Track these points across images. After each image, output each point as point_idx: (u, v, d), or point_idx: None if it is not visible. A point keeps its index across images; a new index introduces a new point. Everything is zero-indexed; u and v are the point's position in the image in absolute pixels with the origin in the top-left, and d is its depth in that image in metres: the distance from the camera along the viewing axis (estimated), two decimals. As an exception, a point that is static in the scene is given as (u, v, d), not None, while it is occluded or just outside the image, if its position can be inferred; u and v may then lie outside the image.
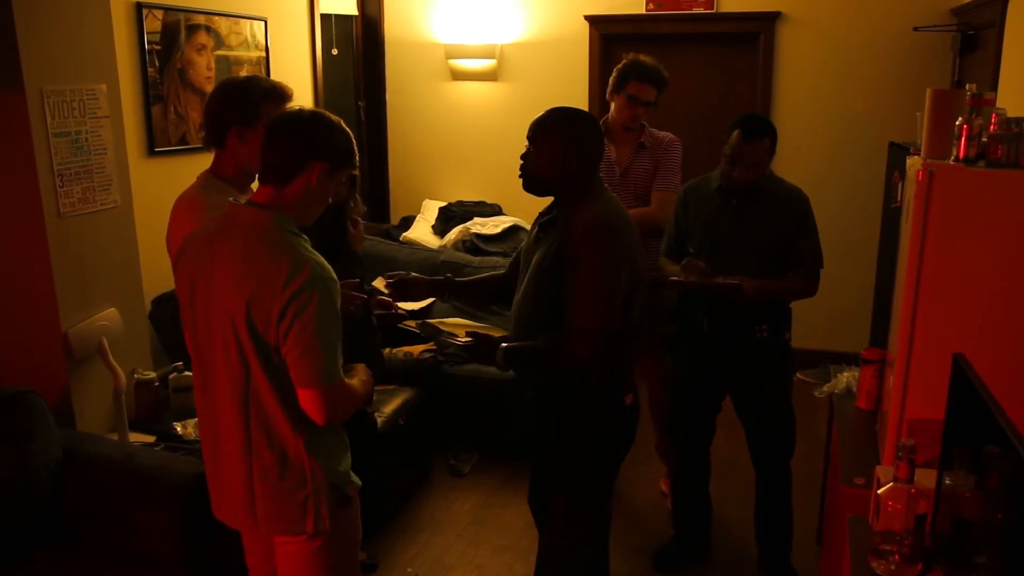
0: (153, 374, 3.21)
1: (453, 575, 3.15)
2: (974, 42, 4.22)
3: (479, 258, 4.73)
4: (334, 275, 1.80)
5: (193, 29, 3.98)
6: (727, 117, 3.01)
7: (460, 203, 5.48)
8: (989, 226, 2.05)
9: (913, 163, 2.36)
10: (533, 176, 2.21)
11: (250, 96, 2.19)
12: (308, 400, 1.79)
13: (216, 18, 4.13)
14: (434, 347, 4.01)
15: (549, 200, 2.28)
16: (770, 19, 4.93)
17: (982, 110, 2.14)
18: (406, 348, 4.03)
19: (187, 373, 3.19)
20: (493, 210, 5.40)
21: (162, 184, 3.47)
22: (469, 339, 2.23)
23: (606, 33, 5.23)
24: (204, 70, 4.07)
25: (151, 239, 3.18)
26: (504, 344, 2.18)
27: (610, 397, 2.22)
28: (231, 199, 1.95)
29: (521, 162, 2.22)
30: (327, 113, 1.90)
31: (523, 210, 5.19)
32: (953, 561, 1.62)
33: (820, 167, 4.89)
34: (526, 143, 2.22)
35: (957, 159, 2.10)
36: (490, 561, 3.23)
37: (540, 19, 5.34)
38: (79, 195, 2.86)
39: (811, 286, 2.85)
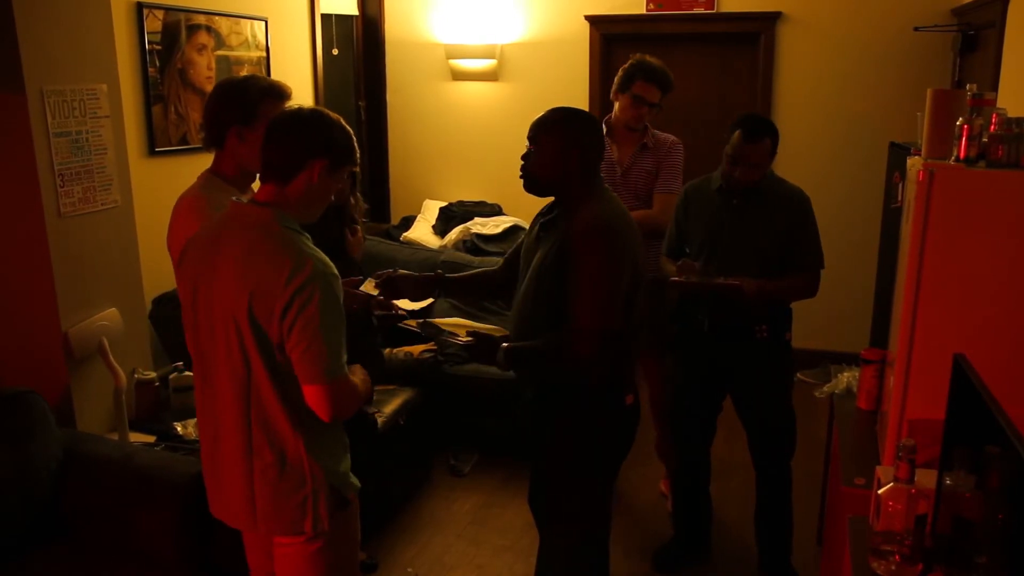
0: (153, 374, 3.21)
1: (453, 575, 3.15)
2: (974, 42, 4.22)
3: (479, 258, 4.73)
4: (336, 271, 1.80)
5: (194, 29, 3.98)
6: (727, 117, 3.01)
7: (460, 203, 5.49)
8: (989, 226, 2.05)
9: (913, 163, 2.36)
10: (534, 176, 2.20)
11: (248, 95, 2.19)
12: (313, 396, 1.79)
13: (217, 18, 4.13)
14: (434, 347, 4.01)
15: (550, 200, 2.28)
16: (770, 19, 4.93)
17: (982, 110, 2.14)
18: (406, 348, 4.03)
19: (187, 373, 3.20)
20: (493, 210, 5.41)
21: (162, 184, 3.47)
22: (470, 339, 2.23)
23: (606, 33, 5.24)
24: (205, 70, 4.07)
25: (151, 239, 3.19)
26: (505, 344, 2.18)
27: (610, 397, 2.22)
28: (234, 198, 1.95)
29: (522, 162, 2.22)
30: (326, 111, 1.90)
31: (523, 210, 5.19)
32: (953, 561, 1.62)
33: (820, 167, 4.89)
34: (526, 143, 2.22)
35: (957, 159, 2.10)
36: (490, 561, 3.23)
37: (540, 19, 5.34)
38: (79, 195, 2.86)
39: (811, 286, 2.85)
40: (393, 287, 2.46)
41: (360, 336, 2.37)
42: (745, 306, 2.78)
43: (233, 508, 1.92)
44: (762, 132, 2.73)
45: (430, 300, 4.23)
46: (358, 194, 3.07)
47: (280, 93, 2.22)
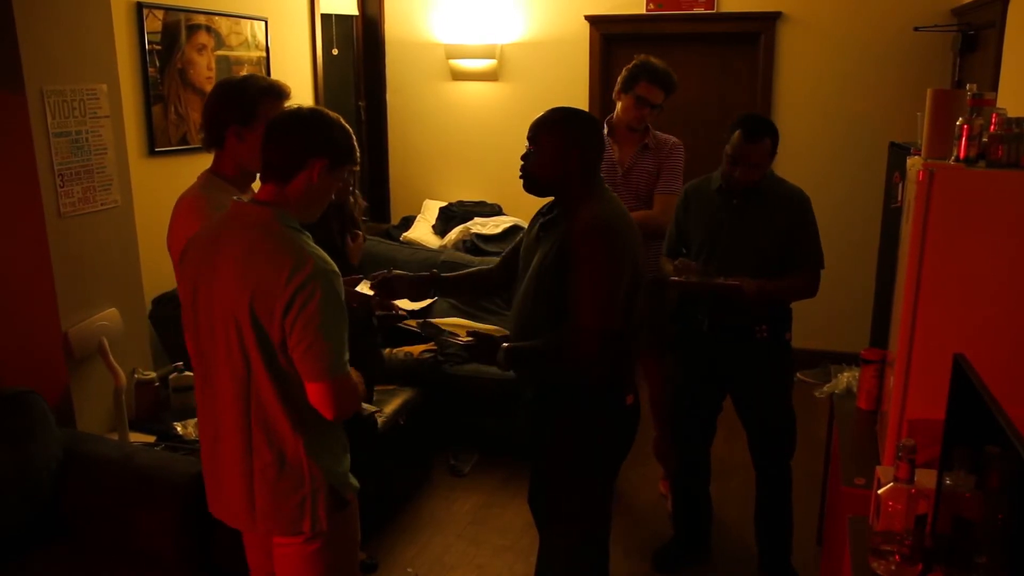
0: (153, 374, 3.21)
1: (453, 575, 3.15)
2: (974, 42, 4.22)
3: (479, 258, 4.72)
4: (336, 269, 1.80)
5: (193, 29, 3.98)
6: (727, 117, 3.01)
7: (460, 203, 5.49)
8: (989, 226, 2.05)
9: (913, 163, 2.36)
10: (533, 177, 2.20)
11: (247, 95, 2.19)
12: (317, 394, 1.79)
13: (216, 18, 4.13)
14: (434, 347, 4.01)
15: (550, 199, 2.27)
16: (770, 19, 4.93)
17: (982, 110, 2.14)
18: (406, 348, 4.03)
19: (187, 373, 3.20)
20: (493, 210, 5.41)
21: (162, 184, 3.48)
22: (470, 339, 2.23)
23: (606, 33, 5.24)
24: (204, 70, 4.07)
25: (151, 239, 3.19)
26: (505, 344, 2.18)
27: (611, 397, 2.22)
28: (235, 198, 1.95)
29: (521, 163, 2.22)
30: (325, 110, 1.91)
31: (523, 210, 5.19)
32: (953, 561, 1.62)
33: (820, 167, 4.89)
34: (526, 143, 2.21)
35: (957, 159, 2.10)
36: (490, 561, 3.23)
37: (540, 19, 5.34)
38: (79, 195, 2.86)
39: (811, 286, 2.85)
40: (388, 288, 2.46)
41: (360, 336, 2.37)
42: (745, 306, 2.78)
43: (233, 508, 1.92)
44: (762, 132, 2.73)
45: (430, 300, 4.24)
46: (356, 192, 3.07)
47: (279, 92, 2.22)
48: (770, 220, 2.81)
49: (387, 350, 3.97)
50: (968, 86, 2.24)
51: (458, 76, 5.57)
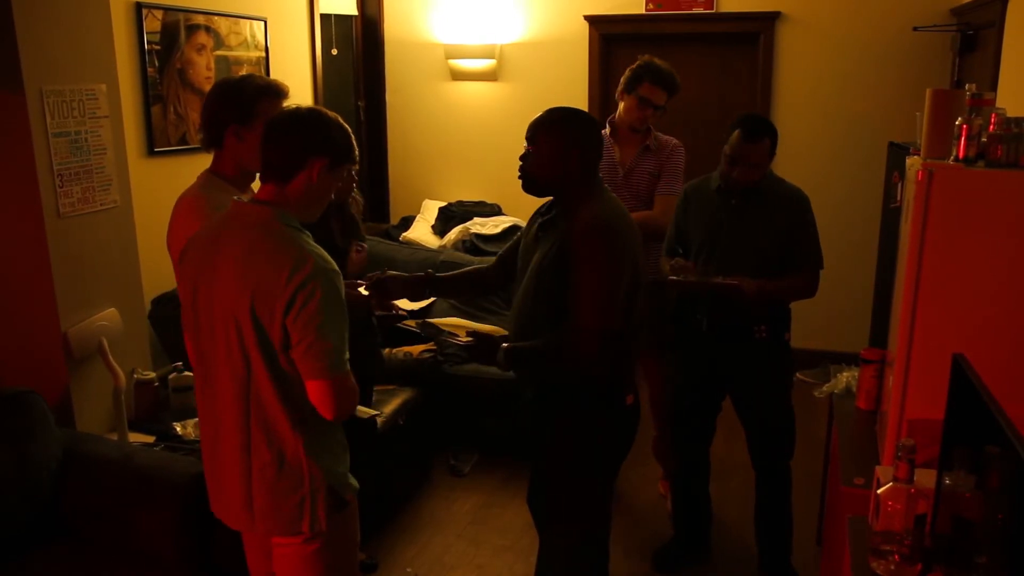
0: (153, 374, 3.21)
1: (453, 575, 3.15)
2: (974, 42, 4.22)
3: (479, 258, 4.72)
4: (337, 267, 1.81)
5: (193, 29, 3.98)
6: (727, 117, 3.01)
7: (460, 203, 5.49)
8: (989, 226, 2.05)
9: (913, 163, 2.36)
10: (532, 177, 2.20)
11: (245, 95, 2.18)
12: (317, 393, 1.79)
13: (216, 18, 4.13)
14: (434, 347, 4.01)
15: (549, 199, 2.27)
16: (770, 19, 4.93)
17: (982, 110, 2.14)
18: (406, 348, 4.03)
19: (187, 373, 3.20)
20: (493, 210, 5.41)
21: (162, 184, 3.48)
22: (470, 339, 2.23)
23: (606, 33, 5.24)
24: (204, 70, 4.07)
25: (151, 239, 3.19)
26: (505, 344, 2.18)
27: (610, 397, 2.22)
28: (235, 198, 1.95)
29: (520, 163, 2.22)
30: (324, 110, 1.91)
31: (523, 210, 5.18)
32: (953, 561, 1.62)
33: (820, 167, 4.89)
34: (525, 144, 2.21)
35: (957, 159, 2.10)
36: (490, 561, 3.23)
37: (540, 19, 5.34)
38: (79, 195, 2.86)
39: (811, 286, 2.84)
40: (383, 289, 2.46)
41: (360, 336, 2.37)
42: (744, 306, 2.78)
43: (232, 508, 1.92)
44: (761, 132, 2.73)
45: (430, 300, 4.24)
46: (356, 190, 3.06)
47: (277, 92, 2.22)
48: (770, 220, 2.81)
49: (387, 350, 3.97)
50: (967, 86, 2.25)
51: (458, 76, 5.57)
